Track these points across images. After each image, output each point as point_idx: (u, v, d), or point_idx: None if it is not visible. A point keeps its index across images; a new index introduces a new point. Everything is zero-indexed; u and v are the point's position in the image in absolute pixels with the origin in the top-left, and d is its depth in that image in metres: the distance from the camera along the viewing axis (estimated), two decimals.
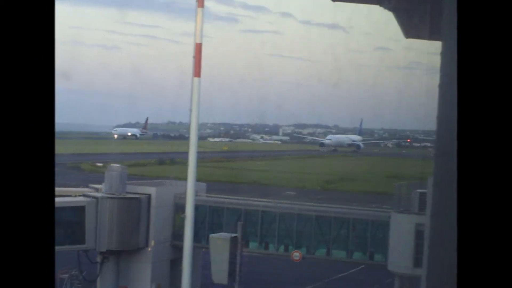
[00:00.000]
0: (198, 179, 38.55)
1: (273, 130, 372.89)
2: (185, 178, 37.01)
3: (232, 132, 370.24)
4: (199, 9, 35.37)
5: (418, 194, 33.95)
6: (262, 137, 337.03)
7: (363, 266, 45.43)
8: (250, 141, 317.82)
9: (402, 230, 33.99)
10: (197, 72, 35.76)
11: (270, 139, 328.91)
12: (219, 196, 43.16)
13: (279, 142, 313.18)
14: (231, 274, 34.45)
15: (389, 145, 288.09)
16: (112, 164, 40.94)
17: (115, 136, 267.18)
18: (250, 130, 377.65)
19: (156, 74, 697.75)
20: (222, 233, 36.30)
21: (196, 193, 37.71)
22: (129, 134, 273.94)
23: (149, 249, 38.96)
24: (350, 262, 40.80)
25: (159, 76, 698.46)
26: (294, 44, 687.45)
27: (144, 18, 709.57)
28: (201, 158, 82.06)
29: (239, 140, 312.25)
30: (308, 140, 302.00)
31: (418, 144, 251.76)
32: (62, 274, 40.18)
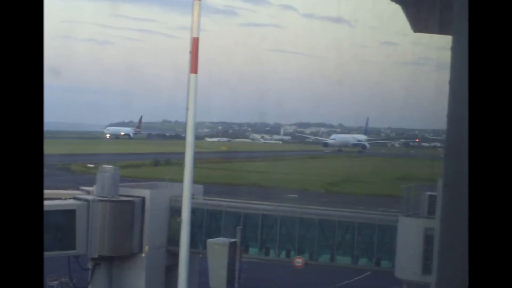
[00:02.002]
0: (195, 181, 38.52)
1: (274, 130, 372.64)
2: (181, 180, 36.96)
3: (230, 131, 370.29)
4: (196, 2, 35.34)
5: (427, 196, 33.97)
6: (262, 137, 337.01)
7: (369, 272, 45.42)
8: (250, 141, 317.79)
9: (410, 234, 33.99)
10: (194, 68, 35.74)
11: (271, 139, 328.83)
12: (217, 199, 43.15)
13: (281, 142, 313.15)
14: (230, 281, 34.45)
15: (397, 145, 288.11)
16: (104, 165, 40.89)
17: (107, 135, 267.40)
18: (249, 129, 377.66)
19: (150, 70, 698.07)
20: (220, 238, 36.29)
21: (193, 196, 37.70)
22: (122, 133, 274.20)
23: (143, 255, 38.96)
24: (355, 269, 40.80)
25: (154, 72, 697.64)
26: (296, 38, 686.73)
27: (138, 11, 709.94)
28: (198, 158, 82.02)
29: (238, 140, 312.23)
30: (311, 140, 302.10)
31: (427, 144, 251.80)
32: (51, 281, 40.24)
